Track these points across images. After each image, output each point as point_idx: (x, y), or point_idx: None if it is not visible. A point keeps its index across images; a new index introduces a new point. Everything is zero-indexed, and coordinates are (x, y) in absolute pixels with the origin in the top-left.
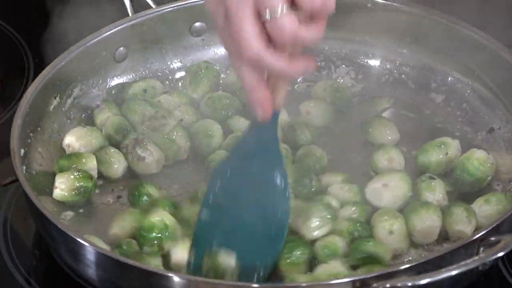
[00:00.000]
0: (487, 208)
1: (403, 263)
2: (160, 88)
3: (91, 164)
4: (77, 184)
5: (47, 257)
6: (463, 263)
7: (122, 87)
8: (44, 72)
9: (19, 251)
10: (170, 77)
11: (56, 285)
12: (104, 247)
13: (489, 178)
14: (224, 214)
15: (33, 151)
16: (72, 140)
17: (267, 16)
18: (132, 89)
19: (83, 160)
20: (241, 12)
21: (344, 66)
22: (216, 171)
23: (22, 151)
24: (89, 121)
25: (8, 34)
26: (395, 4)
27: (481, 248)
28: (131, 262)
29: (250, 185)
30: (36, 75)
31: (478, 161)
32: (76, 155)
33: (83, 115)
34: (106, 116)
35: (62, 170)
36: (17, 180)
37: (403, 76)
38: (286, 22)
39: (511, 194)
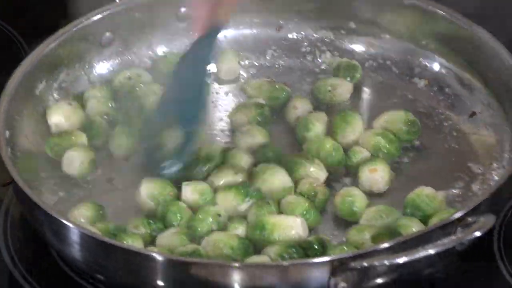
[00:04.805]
0: None
1: (381, 243)
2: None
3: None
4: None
5: (47, 257)
6: (440, 242)
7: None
8: (30, 56)
9: (19, 251)
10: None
11: (56, 284)
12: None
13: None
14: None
15: (19, 133)
16: (60, 119)
17: None
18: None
19: (73, 138)
20: None
21: (328, 51)
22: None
23: (8, 133)
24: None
25: (8, 34)
26: None
27: (459, 228)
28: (113, 242)
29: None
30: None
31: (428, 198)
32: (66, 133)
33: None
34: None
35: (53, 147)
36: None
37: (387, 61)
38: None
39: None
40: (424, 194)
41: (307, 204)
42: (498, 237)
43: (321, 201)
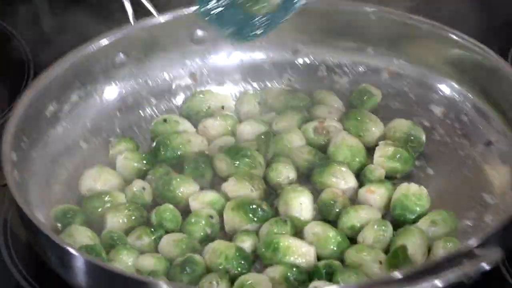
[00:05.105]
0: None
1: (386, 275)
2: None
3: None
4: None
5: None
6: (446, 275)
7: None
8: (41, 76)
9: (19, 251)
10: (170, 86)
11: (56, 284)
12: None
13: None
14: None
15: (27, 156)
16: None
17: None
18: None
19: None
20: None
21: (345, 76)
22: None
23: (15, 155)
24: (90, 129)
25: (8, 34)
26: (396, 17)
27: (466, 261)
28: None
29: None
30: (36, 75)
31: (415, 196)
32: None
33: (80, 121)
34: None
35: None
36: None
37: (404, 88)
38: None
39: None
40: (411, 193)
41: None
42: None
43: (336, 213)
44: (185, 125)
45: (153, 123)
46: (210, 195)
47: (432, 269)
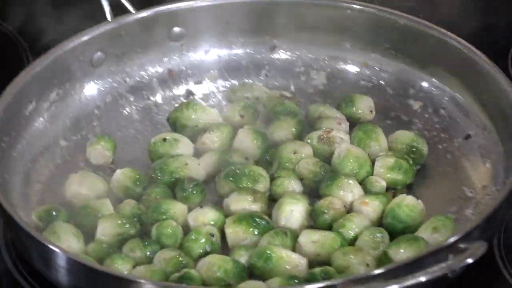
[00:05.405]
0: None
1: (371, 270)
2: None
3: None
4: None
5: None
6: (430, 270)
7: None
8: (20, 76)
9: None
10: (148, 83)
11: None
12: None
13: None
14: None
15: (7, 155)
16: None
17: None
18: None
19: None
20: None
21: (322, 71)
22: None
23: None
24: (70, 127)
25: (8, 34)
26: (374, 10)
27: (450, 255)
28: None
29: None
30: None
31: (408, 207)
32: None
33: (59, 119)
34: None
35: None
36: None
37: (381, 82)
38: None
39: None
40: (404, 204)
41: None
42: (499, 236)
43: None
44: (184, 142)
45: (152, 142)
46: (211, 214)
47: (417, 264)
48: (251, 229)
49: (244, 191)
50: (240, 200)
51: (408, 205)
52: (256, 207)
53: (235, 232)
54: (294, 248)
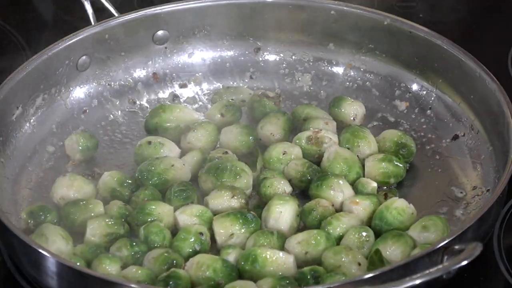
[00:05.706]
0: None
1: (367, 272)
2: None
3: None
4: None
5: None
6: (427, 271)
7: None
8: (5, 81)
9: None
10: (133, 87)
11: None
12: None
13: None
14: None
15: None
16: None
17: None
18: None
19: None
20: None
21: (307, 73)
22: None
23: None
24: (56, 132)
25: (8, 34)
26: (358, 11)
27: (445, 257)
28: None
29: None
30: None
31: (397, 210)
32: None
33: (46, 124)
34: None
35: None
36: None
37: (367, 83)
38: None
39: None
40: (394, 206)
41: None
42: (498, 234)
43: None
44: (169, 144)
45: (137, 145)
46: (198, 207)
47: (412, 266)
48: (240, 221)
49: (223, 187)
50: (218, 196)
51: (397, 208)
52: (235, 203)
53: (223, 225)
54: (283, 249)
